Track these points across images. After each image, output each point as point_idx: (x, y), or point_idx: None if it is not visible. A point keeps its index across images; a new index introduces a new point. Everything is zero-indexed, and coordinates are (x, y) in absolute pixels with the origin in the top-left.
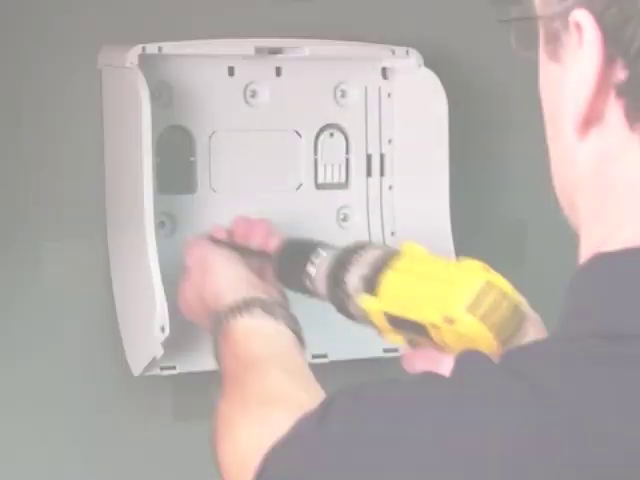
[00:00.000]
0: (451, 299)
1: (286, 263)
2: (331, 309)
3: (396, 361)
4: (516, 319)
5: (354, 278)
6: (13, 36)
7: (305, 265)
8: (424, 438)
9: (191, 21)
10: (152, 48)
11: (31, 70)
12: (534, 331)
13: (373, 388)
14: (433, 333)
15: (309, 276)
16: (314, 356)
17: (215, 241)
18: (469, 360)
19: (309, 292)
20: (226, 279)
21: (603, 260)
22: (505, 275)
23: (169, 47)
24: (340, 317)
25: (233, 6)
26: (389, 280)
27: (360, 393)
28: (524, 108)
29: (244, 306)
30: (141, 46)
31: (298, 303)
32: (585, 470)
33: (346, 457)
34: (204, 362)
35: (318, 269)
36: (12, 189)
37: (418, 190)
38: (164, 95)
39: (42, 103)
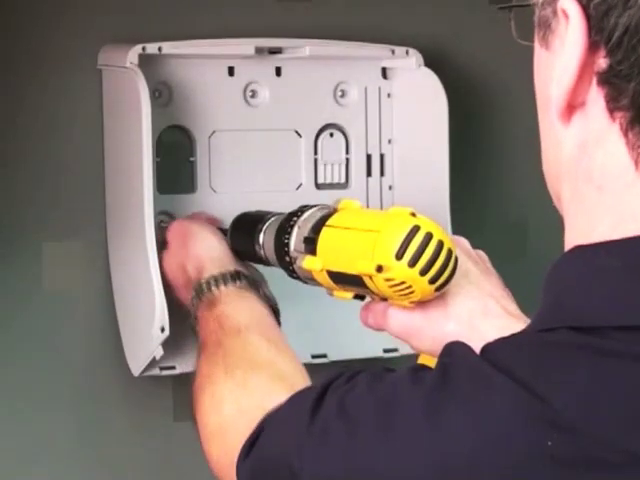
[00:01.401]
0: (379, 248)
1: (239, 234)
2: (331, 309)
3: (396, 361)
4: (448, 261)
5: (296, 241)
6: (13, 36)
7: (256, 234)
8: (415, 432)
9: (191, 21)
10: (152, 48)
11: (31, 70)
12: (484, 278)
13: (364, 382)
14: (369, 284)
15: (260, 245)
16: (314, 356)
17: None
18: (454, 352)
19: (263, 261)
20: (210, 251)
21: (579, 254)
22: (506, 275)
23: (169, 47)
24: (340, 317)
25: (233, 6)
26: (325, 237)
27: (352, 388)
28: (524, 108)
29: (229, 277)
30: (141, 46)
31: (298, 303)
32: (558, 461)
33: (334, 451)
34: None
35: (266, 237)
36: (12, 189)
37: (418, 190)
38: (164, 95)
39: (42, 103)
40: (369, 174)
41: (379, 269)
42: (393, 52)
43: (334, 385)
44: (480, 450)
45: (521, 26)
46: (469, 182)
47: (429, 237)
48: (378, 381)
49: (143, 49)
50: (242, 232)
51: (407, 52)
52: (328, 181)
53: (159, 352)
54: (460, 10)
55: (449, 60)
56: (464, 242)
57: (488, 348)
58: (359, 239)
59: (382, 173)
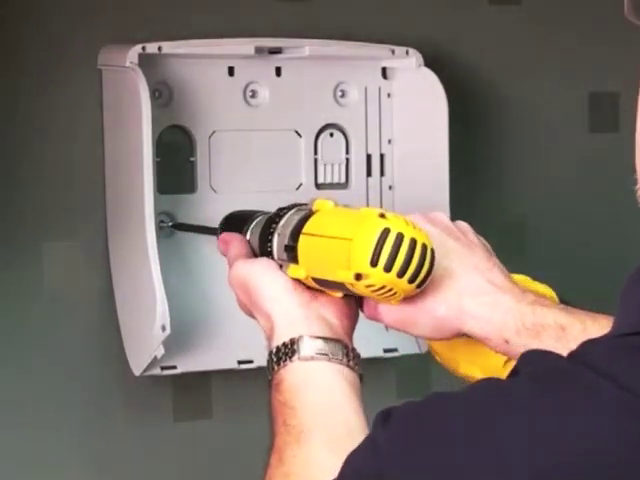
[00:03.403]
0: (353, 257)
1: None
2: None
3: (396, 361)
4: (424, 257)
5: (278, 249)
6: (13, 36)
7: (243, 235)
8: (513, 439)
9: (191, 21)
10: (152, 48)
11: (31, 70)
12: (467, 254)
13: (433, 398)
14: (353, 290)
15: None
16: None
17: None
18: (538, 360)
19: None
20: (277, 304)
21: None
22: None
23: (169, 47)
24: None
25: (233, 6)
26: (303, 246)
27: (421, 404)
28: (524, 108)
29: (292, 348)
30: (141, 46)
31: None
32: None
33: (415, 454)
34: (204, 362)
35: (252, 239)
36: (12, 189)
37: (418, 190)
38: (164, 95)
39: (42, 103)
40: (369, 174)
41: (358, 277)
42: (393, 52)
43: (400, 409)
44: (585, 456)
45: (636, 4)
46: (469, 182)
47: (400, 238)
48: (451, 396)
49: (143, 49)
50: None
51: (407, 52)
52: (328, 181)
53: (160, 351)
54: (460, 10)
55: (449, 60)
56: (442, 218)
57: (578, 352)
58: (334, 248)
59: (382, 173)
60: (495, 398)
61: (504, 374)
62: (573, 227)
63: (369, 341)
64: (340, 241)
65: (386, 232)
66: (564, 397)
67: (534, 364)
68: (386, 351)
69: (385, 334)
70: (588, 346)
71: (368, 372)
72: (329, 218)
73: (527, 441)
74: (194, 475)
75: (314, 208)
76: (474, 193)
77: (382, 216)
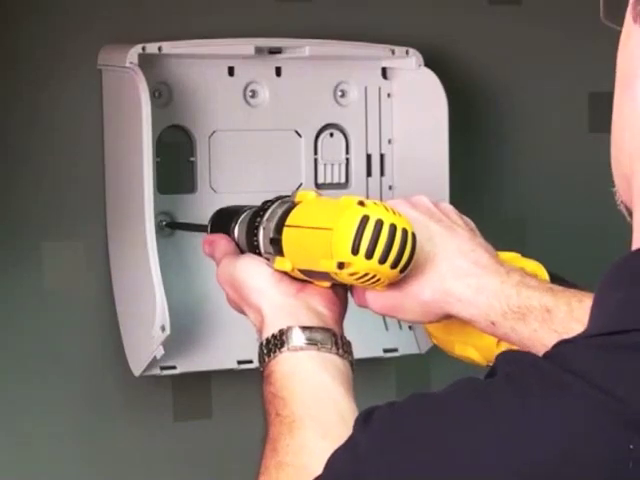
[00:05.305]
0: (335, 246)
1: (216, 230)
2: None
3: (396, 361)
4: (404, 243)
5: (264, 243)
6: (13, 36)
7: (231, 232)
8: (487, 441)
9: (191, 21)
10: (152, 48)
11: (31, 70)
12: (450, 236)
13: (414, 399)
14: (337, 279)
15: (236, 242)
16: None
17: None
18: (517, 360)
19: None
20: (265, 298)
21: None
22: None
23: (169, 47)
24: None
25: (233, 6)
26: (287, 238)
27: (404, 400)
28: (524, 108)
29: (281, 339)
30: (141, 46)
31: None
32: None
33: (393, 456)
34: (204, 362)
35: (239, 234)
36: (12, 189)
37: (418, 190)
38: (164, 95)
39: (42, 103)
40: (369, 174)
41: (340, 266)
42: (393, 52)
43: (380, 410)
44: (560, 456)
45: (611, 6)
46: (469, 182)
47: (380, 224)
48: (430, 397)
49: (143, 49)
50: (220, 229)
51: (407, 52)
52: (328, 181)
53: (160, 351)
54: (460, 10)
55: (449, 60)
56: (424, 201)
57: (553, 353)
58: (316, 239)
59: (382, 173)
60: (473, 400)
61: (499, 352)
62: (573, 227)
63: (369, 341)
64: (321, 231)
65: (365, 219)
66: (540, 398)
67: (511, 365)
68: (386, 351)
69: (385, 334)
70: (563, 346)
71: (368, 372)
72: (310, 209)
73: (505, 442)
74: (194, 475)
75: (297, 199)
76: (474, 193)
77: (361, 204)
